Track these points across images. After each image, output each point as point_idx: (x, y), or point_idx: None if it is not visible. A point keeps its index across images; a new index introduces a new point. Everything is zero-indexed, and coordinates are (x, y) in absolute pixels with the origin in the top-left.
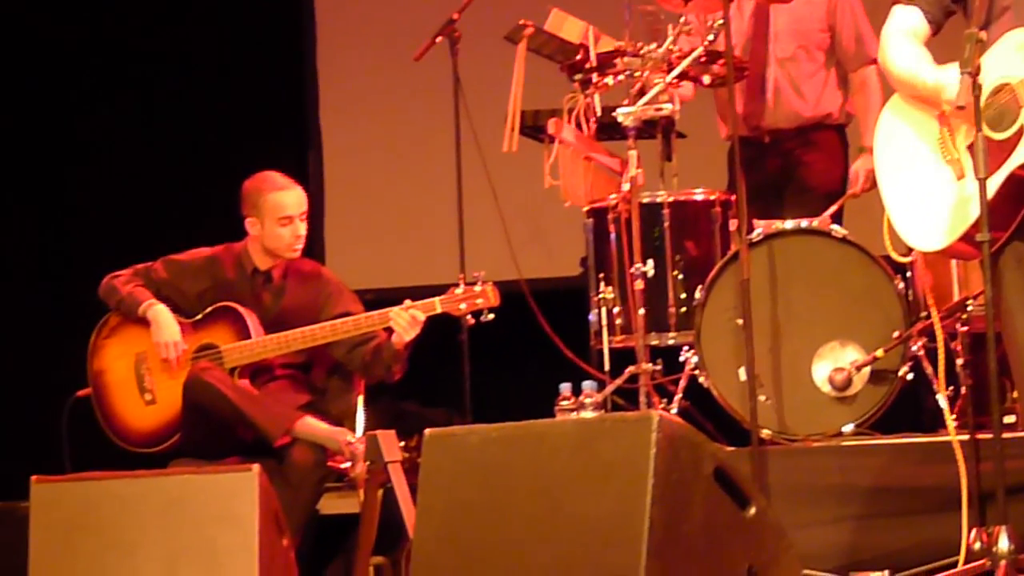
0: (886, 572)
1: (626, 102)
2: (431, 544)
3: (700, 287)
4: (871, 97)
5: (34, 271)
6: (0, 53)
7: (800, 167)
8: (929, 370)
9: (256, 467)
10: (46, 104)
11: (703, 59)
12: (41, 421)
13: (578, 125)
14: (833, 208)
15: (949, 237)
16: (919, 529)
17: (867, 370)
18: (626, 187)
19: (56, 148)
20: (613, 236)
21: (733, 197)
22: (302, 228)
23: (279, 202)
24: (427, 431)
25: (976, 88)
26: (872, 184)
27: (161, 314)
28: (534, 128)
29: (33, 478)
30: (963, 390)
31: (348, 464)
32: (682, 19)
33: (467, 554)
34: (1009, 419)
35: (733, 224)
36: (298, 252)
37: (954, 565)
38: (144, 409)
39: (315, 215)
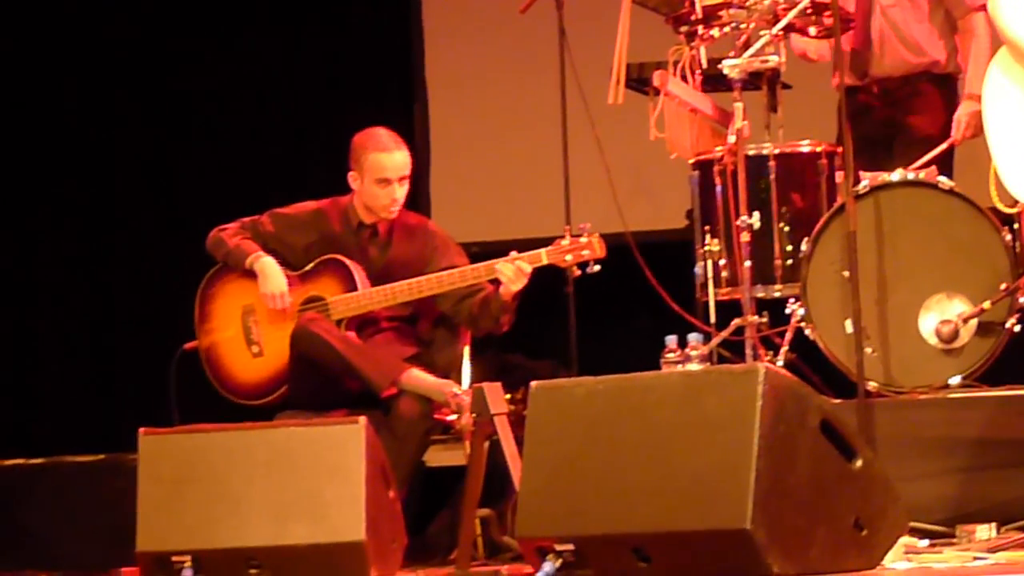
0: (993, 524)
1: (732, 54)
2: (537, 496)
3: (806, 239)
4: (979, 44)
5: (144, 225)
6: (112, 9)
7: (909, 117)
8: None
9: (363, 419)
10: (153, 59)
11: (809, 10)
12: (149, 374)
13: (683, 77)
14: (934, 153)
15: None
16: None
17: (974, 322)
18: (732, 139)
19: (165, 103)
20: (719, 188)
21: (839, 149)
22: (399, 191)
23: (380, 163)
24: (533, 383)
25: None
26: (975, 132)
27: (268, 266)
28: (639, 81)
29: (141, 430)
30: None
31: (454, 416)
32: None
33: (573, 505)
34: None
35: (839, 176)
36: (393, 214)
37: None
38: (251, 361)
39: (421, 168)
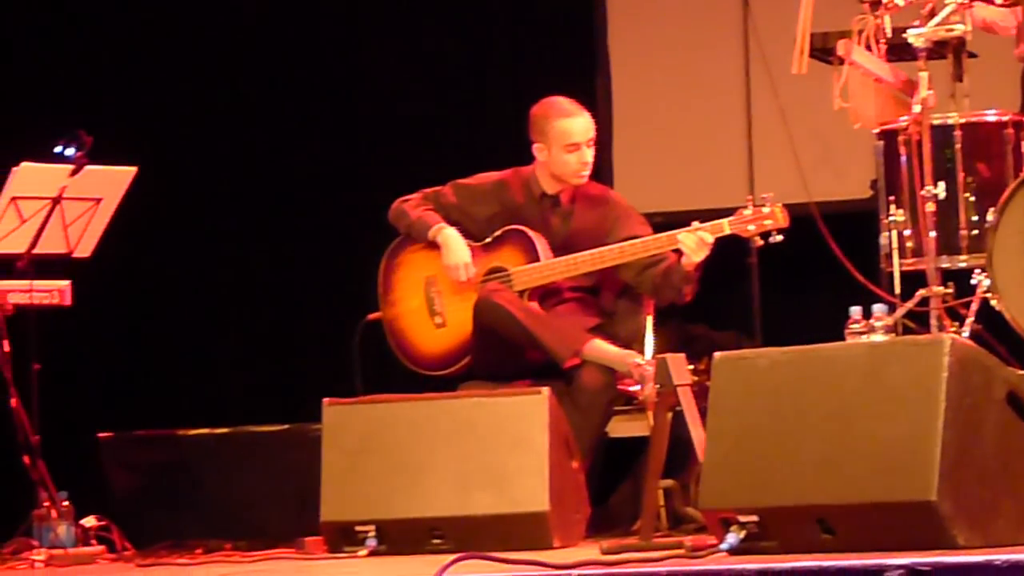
0: None
1: (917, 23)
2: (721, 467)
3: (992, 209)
4: None
5: (325, 196)
6: None
7: None
8: None
9: (546, 390)
10: (327, 33)
11: None
12: (333, 345)
13: (868, 47)
14: None
15: None
16: None
17: None
18: (917, 109)
19: (344, 73)
20: (903, 158)
21: None
22: (588, 155)
23: (566, 129)
24: (717, 354)
25: None
26: None
27: (451, 237)
28: (823, 50)
29: (325, 401)
30: None
31: (637, 387)
32: None
33: (757, 477)
34: None
35: None
36: (584, 178)
37: None
38: (434, 332)
39: (603, 139)
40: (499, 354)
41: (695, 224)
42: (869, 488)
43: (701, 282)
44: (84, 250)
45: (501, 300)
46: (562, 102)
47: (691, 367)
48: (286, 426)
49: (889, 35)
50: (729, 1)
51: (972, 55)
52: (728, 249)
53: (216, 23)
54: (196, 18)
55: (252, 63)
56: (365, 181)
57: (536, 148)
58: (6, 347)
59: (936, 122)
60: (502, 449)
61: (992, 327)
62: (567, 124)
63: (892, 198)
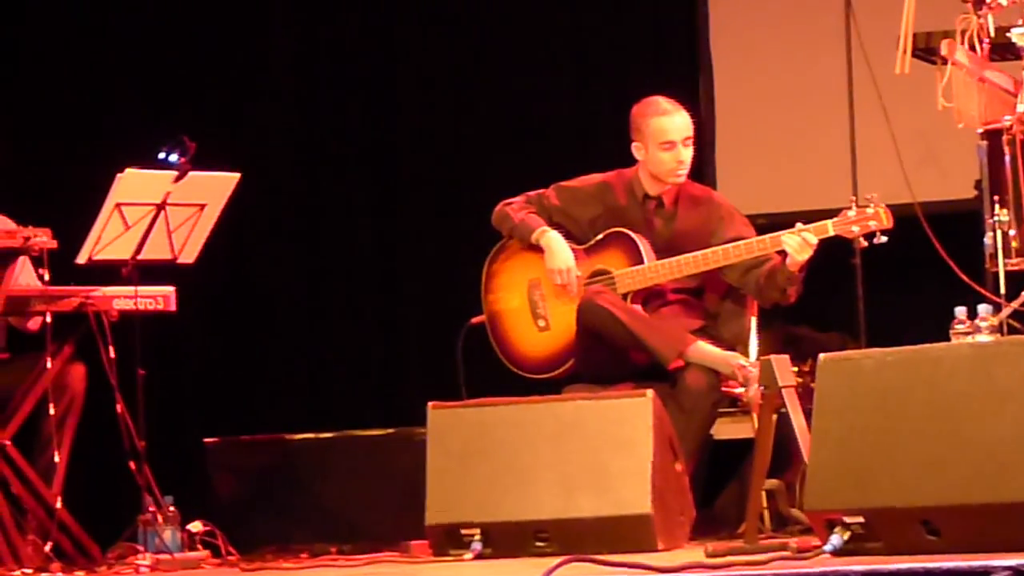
0: None
1: (1021, 22)
2: (826, 468)
3: None
4: None
5: (429, 200)
6: None
7: None
8: None
9: (650, 392)
10: (434, 36)
11: None
12: (437, 348)
13: (971, 46)
14: None
15: None
16: None
17: None
18: (1021, 108)
19: (446, 78)
20: (1008, 158)
21: None
22: (684, 154)
23: (662, 127)
24: (821, 355)
25: None
26: None
27: (554, 240)
28: (926, 50)
29: (430, 404)
30: None
31: (742, 389)
32: None
33: (862, 478)
34: None
35: None
36: (681, 177)
37: None
38: (538, 335)
39: (706, 140)
40: (603, 356)
41: (799, 225)
42: (975, 489)
43: (805, 283)
44: (188, 256)
45: (604, 303)
46: (660, 100)
47: (795, 368)
48: (391, 430)
49: (992, 34)
50: (832, 1)
51: None
52: (832, 250)
53: (316, 28)
54: (298, 24)
55: (353, 67)
56: (469, 184)
57: (634, 147)
58: (111, 353)
59: None
60: (606, 451)
61: None
62: (663, 122)
63: (996, 198)
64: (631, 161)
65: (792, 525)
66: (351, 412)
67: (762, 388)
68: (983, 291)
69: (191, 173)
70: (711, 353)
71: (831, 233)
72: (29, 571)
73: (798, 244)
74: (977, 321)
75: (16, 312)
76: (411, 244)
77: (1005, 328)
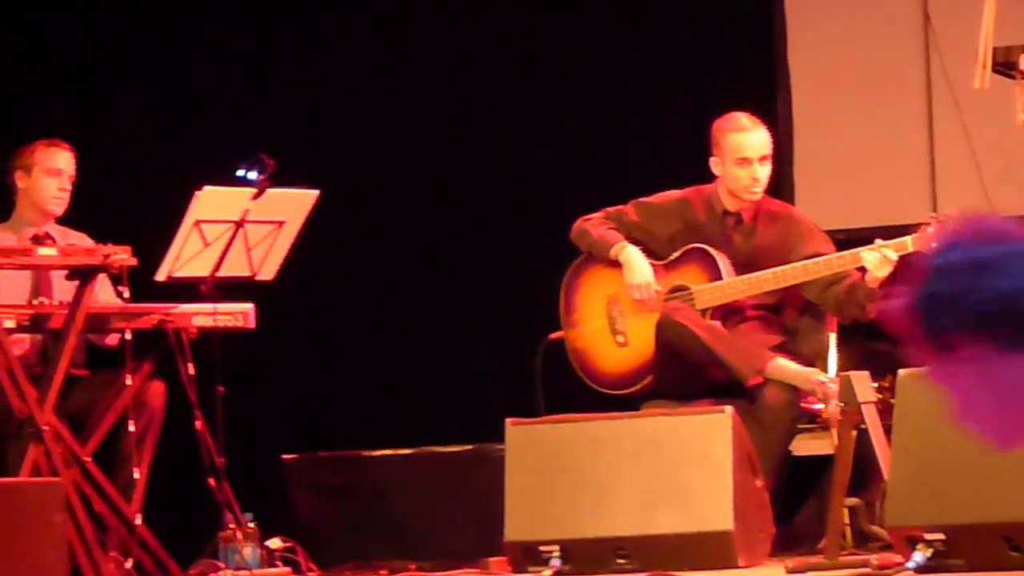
0: None
1: None
2: (906, 485)
3: None
4: None
5: (507, 215)
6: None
7: None
8: None
9: (729, 408)
10: (510, 49)
11: None
12: (515, 364)
13: None
14: None
15: None
16: None
17: None
18: None
19: (524, 90)
20: None
21: None
22: (760, 171)
23: (739, 143)
24: (901, 371)
25: None
26: None
27: (633, 256)
28: (1006, 64)
29: (508, 421)
30: None
31: (821, 405)
32: None
33: (942, 494)
34: None
35: None
36: (756, 195)
37: None
38: (616, 351)
39: (784, 155)
40: (682, 373)
41: (878, 241)
42: None
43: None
44: (267, 273)
45: (683, 319)
46: (740, 116)
47: (875, 384)
48: (469, 446)
49: None
50: (910, 16)
51: None
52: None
53: (394, 46)
54: (375, 42)
55: (429, 84)
56: (547, 200)
57: (712, 162)
58: (191, 370)
59: None
60: (686, 468)
61: None
62: (740, 138)
63: None
64: (708, 178)
65: (873, 542)
66: (430, 428)
67: (841, 404)
68: None
69: (270, 190)
70: (790, 369)
71: (911, 249)
72: None
73: (878, 260)
74: None
75: (96, 329)
76: (490, 260)
77: None
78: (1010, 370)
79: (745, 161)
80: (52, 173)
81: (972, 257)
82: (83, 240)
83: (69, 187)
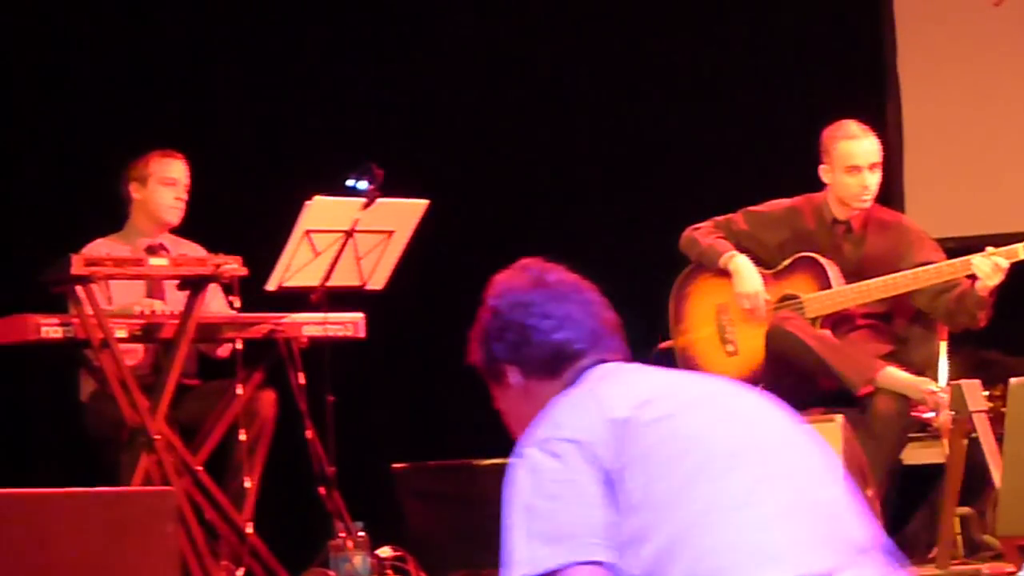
0: None
1: None
2: (1018, 494)
3: None
4: None
5: (614, 224)
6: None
7: None
8: None
9: (840, 417)
10: (620, 59)
11: None
12: None
13: None
14: None
15: None
16: None
17: None
18: None
19: (633, 100)
20: None
21: None
22: (870, 179)
23: (848, 150)
24: (1012, 380)
25: None
26: None
27: (743, 265)
28: None
29: None
30: None
31: (931, 414)
32: None
33: None
34: None
35: None
36: (866, 203)
37: None
38: (726, 360)
39: (894, 164)
40: (791, 382)
41: (989, 249)
42: None
43: (995, 307)
44: (377, 282)
45: (793, 328)
46: (850, 124)
47: (986, 393)
48: None
49: None
50: (1020, 22)
51: None
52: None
53: (502, 53)
54: (484, 49)
55: (541, 93)
56: (655, 210)
57: (822, 170)
58: (301, 379)
59: None
60: None
61: None
62: (850, 146)
63: None
64: (817, 187)
65: (984, 551)
66: None
67: (952, 413)
68: None
69: (379, 200)
70: (901, 378)
71: (1021, 257)
72: None
73: (989, 268)
74: None
75: (207, 339)
76: (599, 269)
77: None
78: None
79: (855, 169)
80: (167, 183)
81: (513, 299)
82: (196, 250)
83: (185, 196)
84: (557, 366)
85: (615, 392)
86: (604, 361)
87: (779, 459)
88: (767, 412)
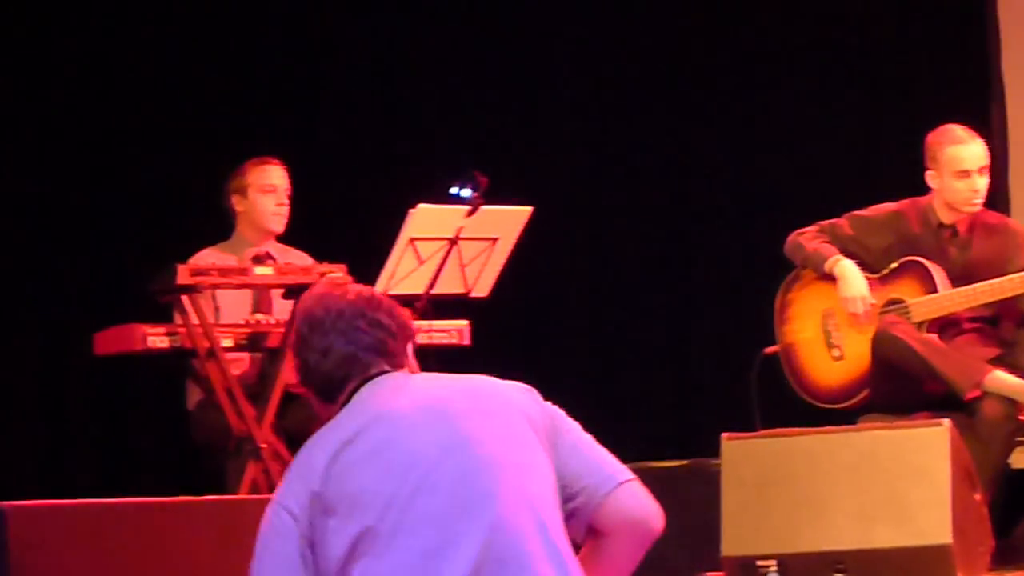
0: None
1: None
2: None
3: None
4: None
5: (721, 230)
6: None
7: None
8: None
9: (947, 422)
10: (728, 68)
11: None
12: (730, 379)
13: None
14: None
15: None
16: None
17: None
18: None
19: (740, 108)
20: None
21: None
22: (979, 183)
23: (956, 156)
24: None
25: None
26: None
27: (848, 269)
28: None
29: (724, 435)
30: None
31: None
32: None
33: None
34: None
35: None
36: (976, 206)
37: None
38: (832, 365)
39: (999, 168)
40: (898, 386)
41: None
42: None
43: None
44: (481, 290)
45: (899, 333)
46: (955, 129)
47: None
48: (685, 461)
49: None
50: None
51: None
52: None
53: (606, 59)
54: (586, 56)
55: (645, 98)
56: (760, 215)
57: (929, 175)
58: None
59: None
60: (903, 481)
61: None
62: (958, 151)
63: None
64: (921, 191)
65: None
66: (645, 443)
67: None
68: None
69: (483, 207)
70: (1008, 382)
71: None
72: None
73: None
74: None
75: None
76: (705, 274)
77: None
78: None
79: (964, 174)
80: (267, 190)
81: (297, 333)
82: (303, 259)
83: (286, 202)
84: (329, 394)
85: (336, 434)
86: (369, 379)
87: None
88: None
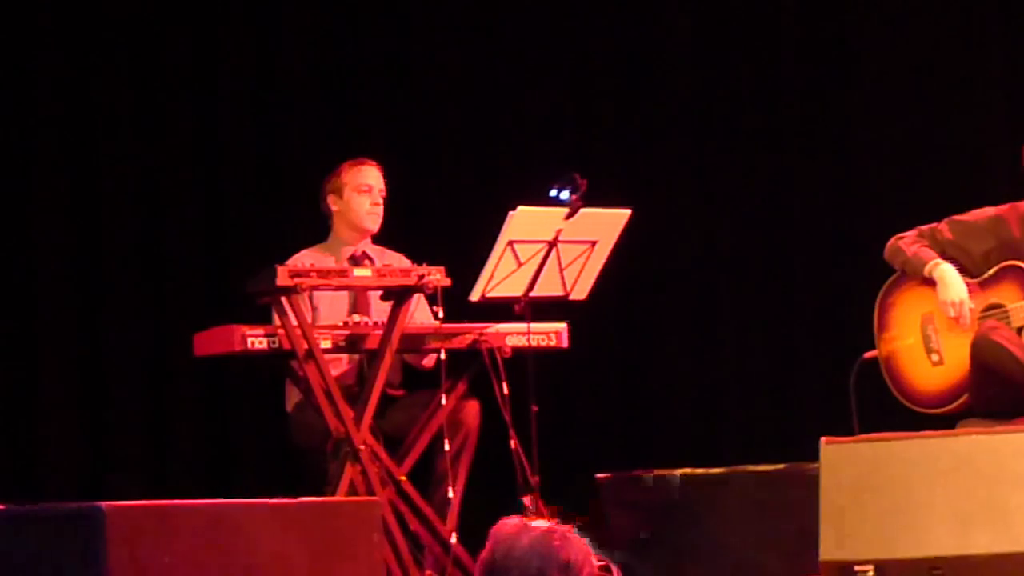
0: None
1: None
2: None
3: None
4: None
5: (820, 235)
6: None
7: None
8: None
9: None
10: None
11: None
12: (830, 383)
13: None
14: None
15: None
16: None
17: None
18: None
19: (836, 112)
20: None
21: None
22: None
23: None
24: None
25: None
26: None
27: (947, 273)
28: None
29: (823, 439)
30: None
31: None
32: None
33: None
34: None
35: None
36: None
37: None
38: (931, 369)
39: None
40: (998, 392)
41: None
42: None
43: None
44: (580, 292)
45: (999, 338)
46: None
47: None
48: (783, 465)
49: None
50: None
51: None
52: None
53: (707, 63)
54: (687, 57)
55: (745, 103)
56: (861, 219)
57: None
58: (505, 389)
59: None
60: (1003, 487)
61: None
62: None
63: None
64: (1022, 195)
65: None
66: (744, 447)
67: None
68: None
69: (582, 210)
70: None
71: None
72: None
73: None
74: None
75: (411, 349)
76: (805, 279)
77: None
78: None
79: None
80: (362, 190)
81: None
82: (401, 261)
83: (381, 202)
84: None
85: None
86: None
87: None
88: None
